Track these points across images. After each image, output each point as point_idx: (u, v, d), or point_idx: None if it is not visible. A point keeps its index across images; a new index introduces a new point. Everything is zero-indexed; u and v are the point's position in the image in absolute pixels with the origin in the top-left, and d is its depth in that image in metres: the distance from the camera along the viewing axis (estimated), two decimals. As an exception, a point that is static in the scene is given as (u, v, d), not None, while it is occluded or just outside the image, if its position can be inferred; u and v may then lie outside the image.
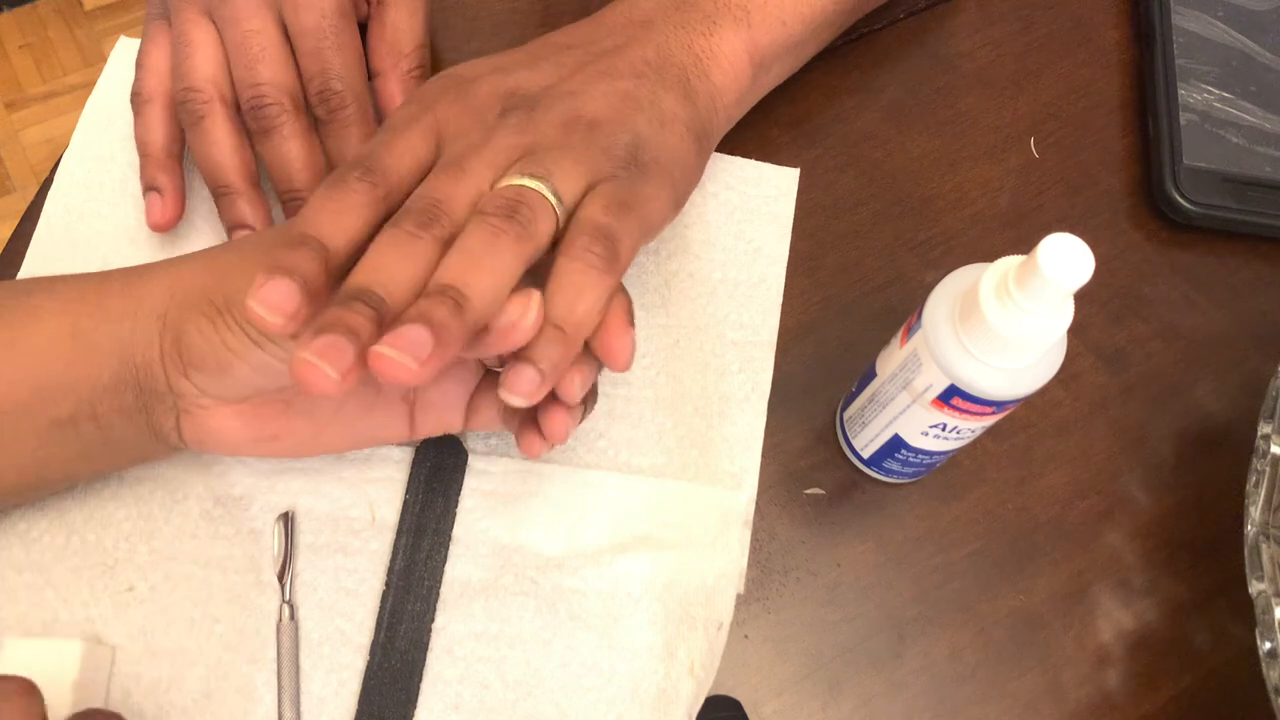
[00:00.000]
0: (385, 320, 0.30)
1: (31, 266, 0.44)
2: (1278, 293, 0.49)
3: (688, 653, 0.40)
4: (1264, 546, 0.37)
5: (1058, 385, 0.46)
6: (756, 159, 0.49)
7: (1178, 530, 0.44)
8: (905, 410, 0.38)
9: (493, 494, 0.42)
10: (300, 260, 0.30)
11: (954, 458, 0.44)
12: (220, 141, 0.42)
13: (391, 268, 0.31)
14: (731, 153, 0.49)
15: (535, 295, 0.31)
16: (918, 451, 0.40)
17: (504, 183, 0.33)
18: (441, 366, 0.29)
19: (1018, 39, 0.54)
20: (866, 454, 0.42)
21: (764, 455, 0.44)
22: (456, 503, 0.41)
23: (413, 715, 0.38)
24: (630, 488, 0.42)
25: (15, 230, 0.46)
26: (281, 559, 0.40)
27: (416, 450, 0.42)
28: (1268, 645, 0.36)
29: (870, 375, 0.40)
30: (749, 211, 0.48)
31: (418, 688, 0.39)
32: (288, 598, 0.39)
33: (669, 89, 0.39)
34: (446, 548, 0.41)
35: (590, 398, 0.37)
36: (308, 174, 0.42)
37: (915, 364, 0.36)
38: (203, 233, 0.46)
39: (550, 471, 0.42)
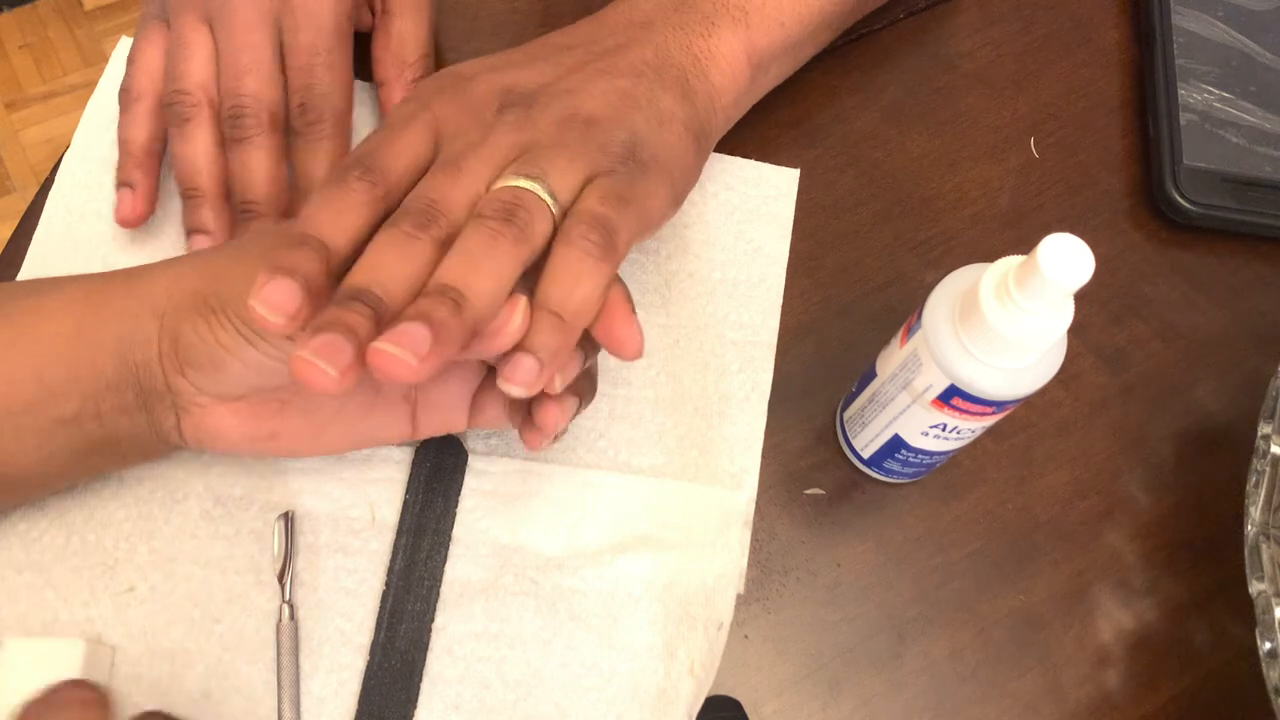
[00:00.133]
0: (383, 319, 0.30)
1: (32, 267, 0.45)
2: (1278, 293, 0.49)
3: (688, 653, 0.40)
4: (1264, 546, 0.37)
5: (1058, 385, 0.46)
6: (756, 159, 0.49)
7: (1178, 530, 0.44)
8: (905, 410, 0.38)
9: (493, 494, 0.42)
10: (301, 260, 0.30)
11: (954, 458, 0.44)
12: (199, 146, 0.42)
13: (389, 268, 0.31)
14: (731, 153, 0.49)
15: (522, 300, 0.31)
16: (918, 451, 0.40)
17: (500, 184, 0.33)
18: (439, 365, 0.29)
19: (1018, 39, 0.54)
20: (866, 454, 0.42)
21: (764, 455, 0.44)
22: (456, 503, 0.41)
23: (413, 715, 0.38)
24: (630, 488, 0.42)
25: (15, 230, 0.46)
26: (281, 559, 0.40)
27: (416, 450, 0.42)
28: (1268, 645, 0.36)
29: (870, 375, 0.40)
30: (749, 212, 0.48)
31: (418, 688, 0.39)
32: (288, 598, 0.39)
33: (667, 89, 0.39)
34: (446, 548, 0.41)
35: (587, 391, 0.37)
36: (268, 188, 0.42)
37: (915, 364, 0.36)
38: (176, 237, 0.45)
39: (550, 471, 0.42)
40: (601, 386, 0.44)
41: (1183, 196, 0.49)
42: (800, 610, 0.42)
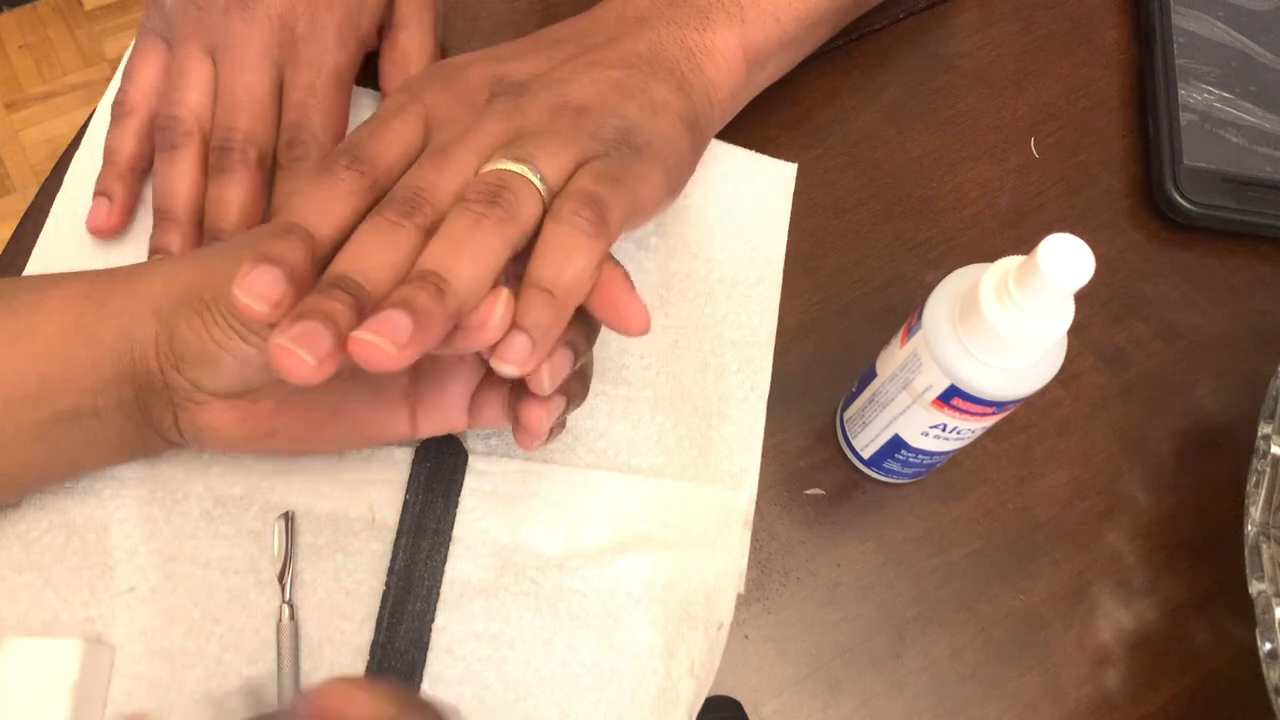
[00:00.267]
0: (365, 308, 0.30)
1: (36, 265, 0.45)
2: (1278, 293, 0.49)
3: (688, 653, 0.40)
4: (1264, 546, 0.37)
5: (1058, 385, 0.46)
6: (756, 152, 0.49)
7: (1178, 530, 0.44)
8: (905, 410, 0.38)
9: (493, 494, 0.42)
10: (286, 249, 0.30)
11: (954, 458, 0.44)
12: (183, 173, 0.43)
13: (372, 256, 0.31)
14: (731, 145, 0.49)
15: (504, 292, 0.31)
16: (918, 452, 0.40)
17: (488, 168, 0.33)
18: (421, 352, 0.29)
19: (1018, 39, 0.54)
20: (867, 454, 0.42)
21: (764, 455, 0.44)
22: (456, 503, 0.41)
23: (413, 715, 0.38)
24: (630, 488, 0.42)
25: (15, 230, 0.46)
26: (281, 559, 0.40)
27: (416, 450, 0.42)
28: (1268, 645, 0.36)
29: (870, 375, 0.40)
30: (747, 210, 0.48)
31: (418, 688, 0.39)
32: (288, 598, 0.39)
33: (661, 80, 0.39)
34: (446, 548, 0.41)
35: (578, 392, 0.37)
36: (238, 220, 0.43)
37: (915, 364, 0.36)
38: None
39: (550, 471, 0.42)
40: (601, 386, 0.44)
41: (1183, 196, 0.49)
42: (800, 610, 0.42)
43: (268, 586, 0.40)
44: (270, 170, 0.44)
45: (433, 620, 0.40)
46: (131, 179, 0.45)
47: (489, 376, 0.39)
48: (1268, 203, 0.49)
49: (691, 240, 0.47)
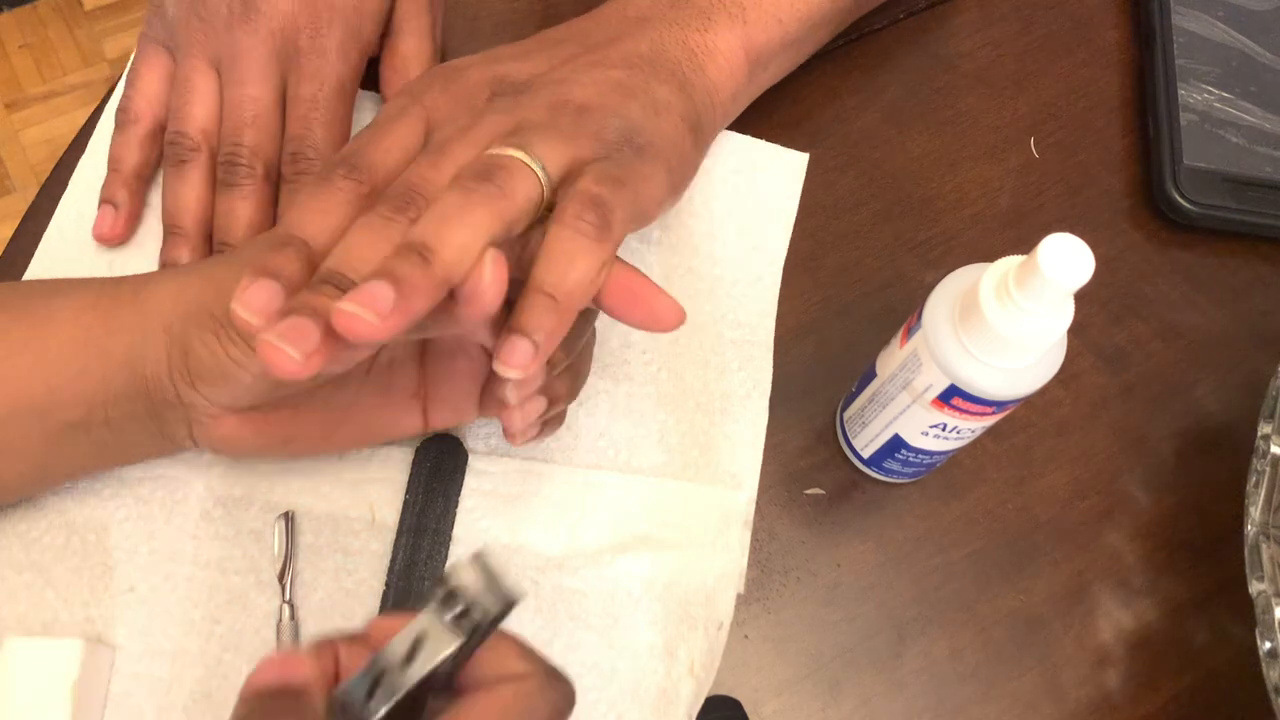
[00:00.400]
0: None
1: (39, 267, 0.45)
2: (1278, 293, 0.49)
3: (688, 653, 0.40)
4: (1264, 546, 0.37)
5: (1058, 385, 0.46)
6: (766, 141, 0.49)
7: (1178, 530, 0.44)
8: (905, 410, 0.38)
9: (493, 494, 0.42)
10: (283, 262, 0.30)
11: (954, 458, 0.44)
12: (191, 188, 0.43)
13: (363, 250, 0.31)
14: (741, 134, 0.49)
15: (490, 252, 0.30)
16: (918, 451, 0.40)
17: (485, 154, 0.33)
18: (406, 321, 0.28)
19: (1018, 39, 0.54)
20: (866, 454, 0.42)
21: (764, 455, 0.44)
22: (456, 503, 0.41)
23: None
24: (630, 487, 0.42)
25: (16, 230, 0.46)
26: (281, 559, 0.40)
27: (417, 450, 0.42)
28: (1268, 645, 0.36)
29: (870, 375, 0.40)
30: (754, 203, 0.48)
31: (418, 688, 0.39)
32: (288, 598, 0.39)
33: (662, 81, 0.39)
34: (446, 548, 0.41)
35: (561, 393, 0.37)
36: (246, 233, 0.43)
37: (915, 364, 0.36)
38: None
39: (550, 471, 0.42)
40: (602, 383, 0.44)
41: (1183, 196, 0.49)
42: (800, 610, 0.42)
43: (268, 586, 0.40)
44: (277, 182, 0.44)
45: (433, 620, 0.40)
46: (136, 186, 0.45)
47: None
48: (1268, 203, 0.49)
49: (695, 235, 0.47)
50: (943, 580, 0.43)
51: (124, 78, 0.47)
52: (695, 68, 0.41)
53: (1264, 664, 0.36)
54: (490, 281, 0.30)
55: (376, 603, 0.40)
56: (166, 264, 0.43)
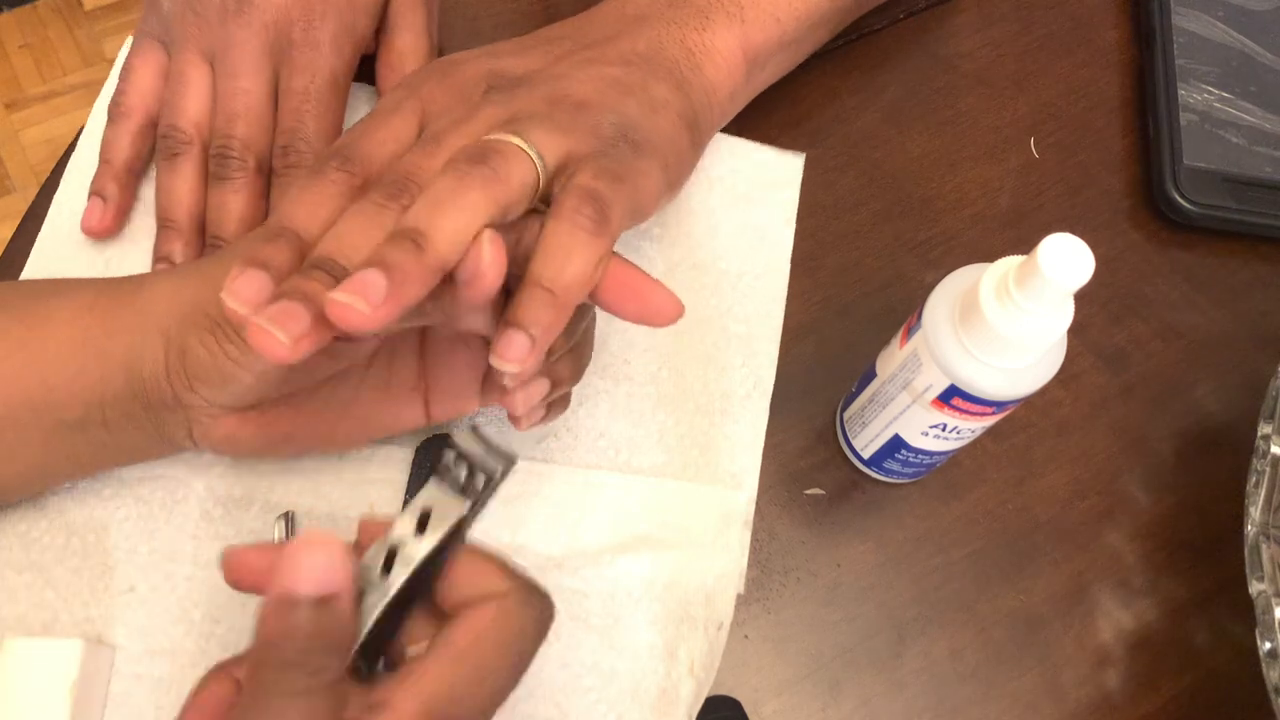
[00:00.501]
0: None
1: (35, 266, 0.45)
2: (1278, 293, 0.49)
3: (688, 653, 0.40)
4: (1264, 546, 0.37)
5: (1058, 385, 0.46)
6: (762, 144, 0.49)
7: (1178, 530, 0.44)
8: (905, 410, 0.38)
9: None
10: (273, 253, 0.30)
11: (954, 458, 0.44)
12: (184, 181, 0.43)
13: (354, 236, 0.31)
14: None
15: (486, 232, 0.30)
16: (918, 451, 0.40)
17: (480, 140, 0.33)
18: (400, 309, 0.28)
19: (1018, 39, 0.54)
20: (866, 454, 0.42)
21: (764, 455, 0.44)
22: (456, 503, 0.41)
23: (413, 715, 0.38)
24: (630, 488, 0.42)
25: (16, 230, 0.46)
26: (281, 559, 0.40)
27: (417, 450, 0.42)
28: (1268, 645, 0.36)
29: (870, 375, 0.40)
30: (753, 200, 0.48)
31: (418, 688, 0.39)
32: (288, 598, 0.39)
33: (660, 79, 0.39)
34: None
35: (565, 377, 0.37)
36: (238, 227, 0.43)
37: (915, 364, 0.36)
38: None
39: (550, 471, 0.42)
40: (602, 383, 0.44)
41: (1183, 196, 0.49)
42: (800, 610, 0.42)
43: (268, 586, 0.40)
44: (269, 176, 0.44)
45: (433, 620, 0.40)
46: (127, 180, 0.45)
47: None
48: (1268, 203, 0.49)
49: (696, 231, 0.47)
50: (943, 580, 0.43)
51: (114, 72, 0.47)
52: (693, 66, 0.41)
53: (1264, 664, 0.36)
54: (490, 262, 0.30)
55: (376, 603, 0.40)
56: (160, 258, 0.43)
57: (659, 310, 0.33)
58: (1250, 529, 0.38)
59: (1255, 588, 0.37)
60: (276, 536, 0.40)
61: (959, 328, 0.34)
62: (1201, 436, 0.46)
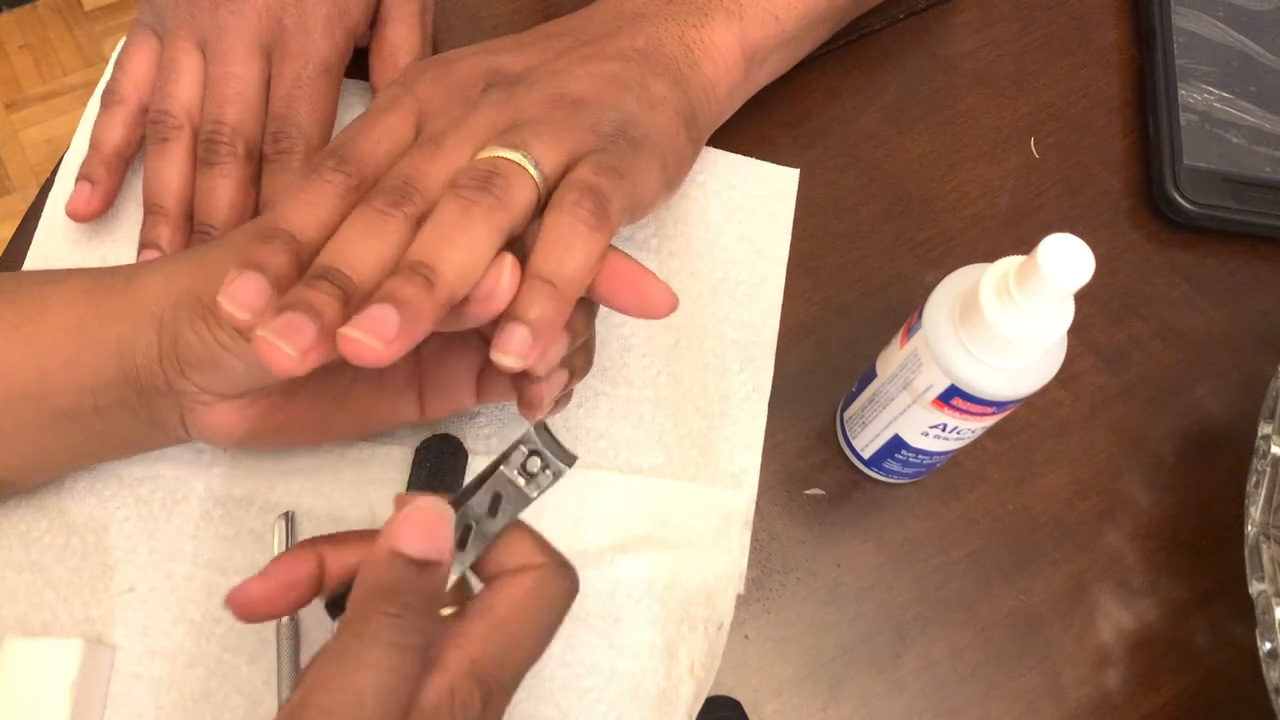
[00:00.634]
0: (353, 299, 0.30)
1: (33, 265, 0.45)
2: (1278, 293, 0.49)
3: (688, 653, 0.40)
4: (1264, 546, 0.37)
5: (1058, 385, 0.46)
6: (757, 159, 0.49)
7: (1178, 530, 0.44)
8: (905, 410, 0.38)
9: (493, 494, 0.42)
10: (270, 254, 0.30)
11: (954, 458, 0.44)
12: (173, 167, 0.43)
13: (359, 246, 0.31)
14: (731, 152, 0.49)
15: (508, 258, 0.31)
16: (918, 452, 0.40)
17: (481, 155, 0.33)
18: (411, 344, 0.29)
19: (1018, 39, 0.54)
20: (867, 454, 0.42)
21: (764, 455, 0.44)
22: (456, 503, 0.41)
23: (413, 715, 0.38)
24: (630, 488, 0.42)
25: (16, 230, 0.46)
26: (281, 559, 0.40)
27: (417, 450, 0.42)
28: (1268, 645, 0.36)
29: (870, 375, 0.40)
30: (749, 211, 0.48)
31: (418, 688, 0.39)
32: (288, 598, 0.39)
33: (657, 75, 0.39)
34: (446, 548, 0.41)
35: (580, 366, 0.37)
36: (227, 214, 0.42)
37: (915, 364, 0.36)
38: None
39: (550, 471, 0.42)
40: (601, 386, 0.44)
41: (1183, 196, 0.49)
42: (800, 610, 0.42)
43: (268, 586, 0.40)
44: (259, 163, 0.43)
45: (433, 620, 0.40)
46: (116, 165, 0.44)
47: None
48: (1268, 203, 0.49)
49: (694, 241, 0.47)
50: (943, 580, 0.43)
51: (110, 65, 0.47)
52: (691, 63, 0.41)
53: (1264, 664, 0.36)
54: (506, 287, 0.31)
55: (376, 603, 0.40)
56: (146, 244, 0.43)
57: (655, 302, 0.33)
58: (1250, 529, 0.38)
59: (1255, 588, 0.37)
60: (276, 536, 0.40)
61: (959, 328, 0.34)
62: (1201, 436, 0.46)
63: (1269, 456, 0.38)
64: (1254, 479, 0.38)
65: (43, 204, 0.46)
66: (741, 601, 0.41)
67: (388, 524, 0.29)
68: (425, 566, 0.29)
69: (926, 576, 0.43)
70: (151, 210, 0.43)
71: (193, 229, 0.43)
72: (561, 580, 0.32)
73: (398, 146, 0.35)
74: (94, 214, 0.44)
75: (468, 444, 0.42)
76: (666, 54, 0.40)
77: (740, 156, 0.49)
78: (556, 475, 0.32)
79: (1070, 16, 0.55)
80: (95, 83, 0.49)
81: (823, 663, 0.41)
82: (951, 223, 0.49)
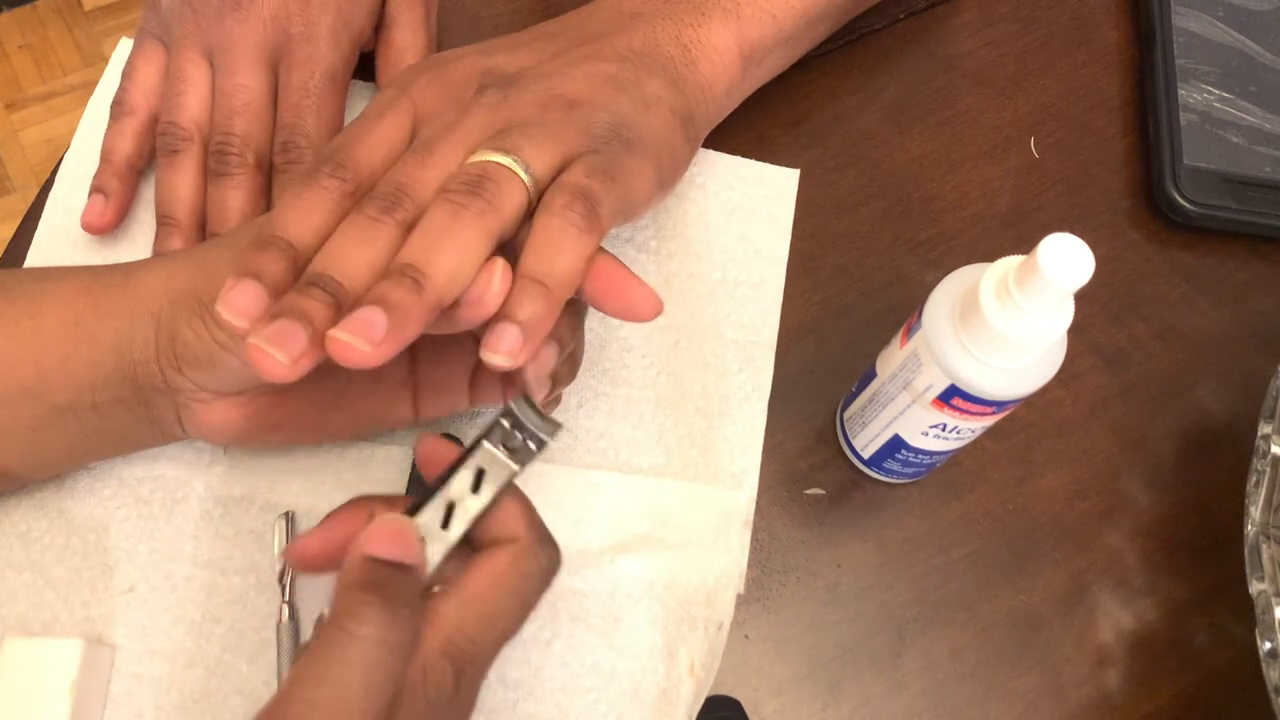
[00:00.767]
0: (344, 305, 0.30)
1: (33, 265, 0.45)
2: (1278, 293, 0.49)
3: (688, 653, 0.40)
4: (1264, 546, 0.37)
5: (1058, 385, 0.46)
6: (756, 159, 0.49)
7: (1178, 530, 0.44)
8: (905, 410, 0.38)
9: (493, 494, 0.42)
10: (267, 262, 0.30)
11: (954, 458, 0.44)
12: (183, 178, 0.43)
13: (350, 252, 0.31)
14: (731, 153, 0.49)
15: (500, 262, 0.31)
16: (918, 451, 0.40)
17: (472, 160, 0.33)
18: (399, 347, 0.29)
19: (1018, 39, 0.54)
20: (867, 454, 0.42)
21: (764, 455, 0.44)
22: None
23: (413, 715, 0.38)
24: (630, 488, 0.42)
25: (16, 230, 0.46)
26: (281, 560, 0.40)
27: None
28: (1268, 645, 0.36)
29: (870, 375, 0.40)
30: (749, 212, 0.48)
31: (418, 688, 0.39)
32: (288, 598, 0.39)
33: (654, 75, 0.39)
34: (446, 548, 0.41)
35: (564, 375, 0.37)
36: (239, 222, 0.43)
37: (915, 364, 0.36)
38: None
39: (550, 471, 0.42)
40: (601, 386, 0.44)
41: (1183, 196, 0.49)
42: (800, 610, 0.42)
43: (268, 587, 0.40)
44: (269, 172, 0.44)
45: (433, 620, 0.40)
46: (128, 176, 0.45)
47: None
48: (1268, 203, 0.49)
49: (693, 242, 0.47)
50: (943, 580, 0.43)
51: (105, 74, 0.47)
52: (688, 62, 0.41)
53: (1264, 664, 0.36)
54: (497, 292, 0.31)
55: (376, 603, 0.40)
56: (160, 254, 0.43)
57: (640, 306, 0.33)
58: (1250, 529, 0.38)
59: (1255, 588, 0.37)
60: (276, 537, 0.40)
61: (959, 328, 0.34)
62: (1201, 436, 0.46)
63: (1269, 456, 0.38)
64: (1254, 479, 0.38)
65: (43, 204, 0.46)
66: (741, 601, 0.41)
67: (361, 533, 0.31)
68: (400, 568, 0.30)
69: (926, 576, 0.43)
70: (164, 222, 0.43)
71: (205, 239, 0.43)
72: (539, 555, 0.32)
73: (394, 150, 0.35)
74: (109, 226, 0.44)
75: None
76: (663, 53, 0.40)
77: (740, 158, 0.49)
78: (540, 446, 0.32)
79: (1070, 16, 0.55)
80: (95, 83, 0.49)
81: (823, 663, 0.41)
82: (951, 223, 0.49)
